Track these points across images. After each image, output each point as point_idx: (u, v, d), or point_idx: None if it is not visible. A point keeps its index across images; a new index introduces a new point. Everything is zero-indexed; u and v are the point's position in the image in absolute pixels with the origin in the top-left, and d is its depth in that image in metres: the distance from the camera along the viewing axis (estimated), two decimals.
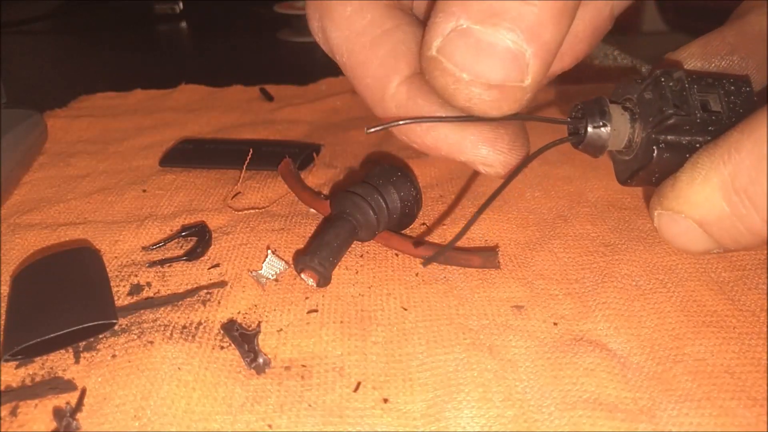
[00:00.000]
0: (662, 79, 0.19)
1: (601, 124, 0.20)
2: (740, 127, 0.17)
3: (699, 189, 0.17)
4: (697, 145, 0.19)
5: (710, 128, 0.19)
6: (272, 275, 0.25)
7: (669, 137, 0.19)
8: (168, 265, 0.26)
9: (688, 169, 0.18)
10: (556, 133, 0.22)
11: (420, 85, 0.21)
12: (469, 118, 0.20)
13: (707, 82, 0.20)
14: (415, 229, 0.28)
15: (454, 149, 0.21)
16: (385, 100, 0.21)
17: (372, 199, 0.25)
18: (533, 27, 0.16)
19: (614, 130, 0.20)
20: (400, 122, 0.20)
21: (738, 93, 0.20)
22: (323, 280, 0.23)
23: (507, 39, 0.17)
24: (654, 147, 0.19)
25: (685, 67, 0.22)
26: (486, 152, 0.21)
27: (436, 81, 0.18)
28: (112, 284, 0.24)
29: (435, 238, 0.27)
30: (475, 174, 0.33)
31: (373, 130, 0.19)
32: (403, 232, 0.27)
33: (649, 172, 0.20)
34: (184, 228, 0.28)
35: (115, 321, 0.22)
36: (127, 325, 0.22)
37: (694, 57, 0.22)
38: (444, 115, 0.20)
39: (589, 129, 0.20)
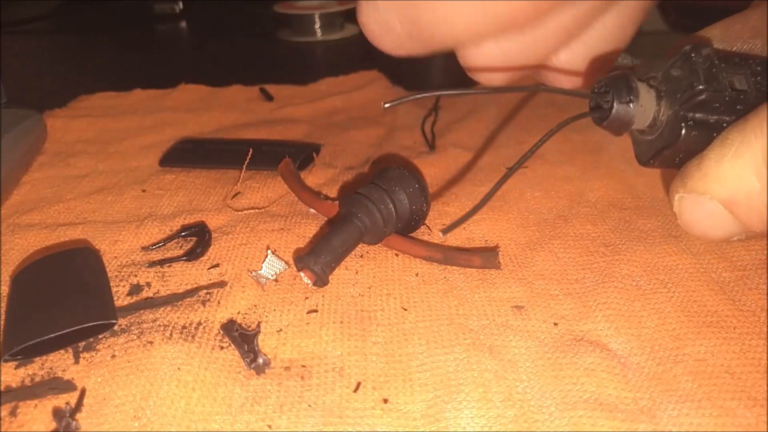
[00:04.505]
0: (692, 55, 0.18)
1: (628, 99, 0.19)
2: None
3: (729, 166, 0.17)
4: (724, 125, 0.18)
5: (738, 107, 0.18)
6: (272, 275, 0.25)
7: (698, 115, 0.18)
8: (168, 265, 0.26)
9: (717, 147, 0.17)
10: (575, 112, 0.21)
11: None
12: (499, 89, 0.19)
13: (734, 62, 0.19)
14: None
15: None
16: None
17: (384, 208, 0.25)
18: None
19: (641, 106, 0.19)
20: (418, 96, 0.19)
21: (764, 74, 0.19)
22: (320, 282, 0.23)
23: None
24: (682, 124, 0.19)
25: None
26: None
27: None
28: (111, 284, 0.24)
29: (435, 238, 0.27)
30: (476, 174, 0.33)
31: (389, 104, 0.18)
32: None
33: (675, 151, 0.19)
34: (183, 228, 0.28)
35: (114, 321, 0.22)
36: (126, 325, 0.22)
37: (716, 40, 0.21)
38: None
39: (615, 105, 0.19)
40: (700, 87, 0.18)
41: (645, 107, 0.19)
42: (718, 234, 0.18)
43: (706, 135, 0.18)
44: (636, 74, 0.20)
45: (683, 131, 0.19)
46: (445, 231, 0.21)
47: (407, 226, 0.26)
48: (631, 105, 0.19)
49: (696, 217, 0.18)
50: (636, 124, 0.20)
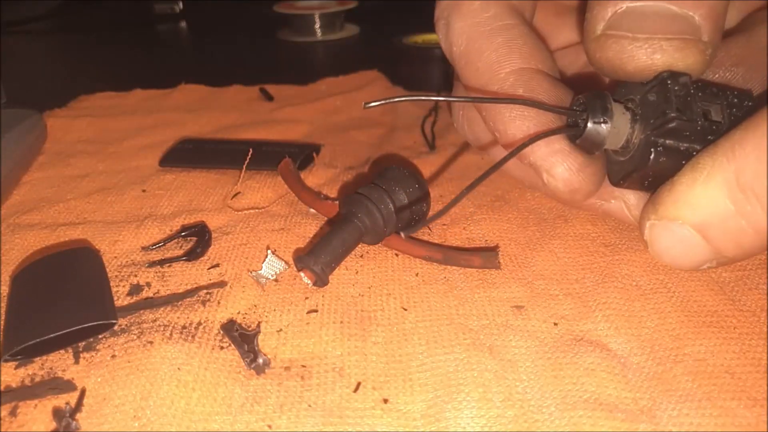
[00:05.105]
0: (668, 82, 0.19)
1: (601, 120, 0.19)
2: (743, 126, 0.16)
3: (701, 190, 0.17)
4: (694, 153, 0.18)
5: (709, 137, 0.19)
6: (272, 275, 0.25)
7: (668, 141, 0.19)
8: (168, 265, 0.26)
9: (688, 172, 0.17)
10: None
11: (527, 79, 0.22)
12: (488, 99, 0.19)
13: (711, 92, 0.19)
14: None
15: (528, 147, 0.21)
16: (491, 84, 0.23)
17: (384, 208, 0.25)
18: None
19: (614, 128, 0.20)
20: (402, 98, 0.20)
21: (740, 106, 0.19)
22: (320, 282, 0.23)
23: (671, 6, 0.18)
24: (651, 149, 0.19)
25: None
26: (555, 161, 0.21)
27: (609, 50, 0.19)
28: (111, 284, 0.24)
29: (435, 237, 0.27)
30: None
31: (371, 105, 0.19)
32: None
33: (643, 175, 0.20)
34: (183, 228, 0.28)
35: (114, 321, 0.22)
36: (126, 325, 0.22)
37: None
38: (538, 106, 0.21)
39: (589, 124, 0.20)
40: (672, 115, 0.18)
41: (618, 129, 0.20)
42: (689, 261, 0.18)
43: (675, 161, 0.19)
44: (615, 94, 0.21)
45: (652, 156, 0.19)
46: (406, 234, 0.22)
47: (407, 226, 0.26)
48: (604, 126, 0.20)
49: (667, 244, 0.18)
50: (608, 144, 0.20)
